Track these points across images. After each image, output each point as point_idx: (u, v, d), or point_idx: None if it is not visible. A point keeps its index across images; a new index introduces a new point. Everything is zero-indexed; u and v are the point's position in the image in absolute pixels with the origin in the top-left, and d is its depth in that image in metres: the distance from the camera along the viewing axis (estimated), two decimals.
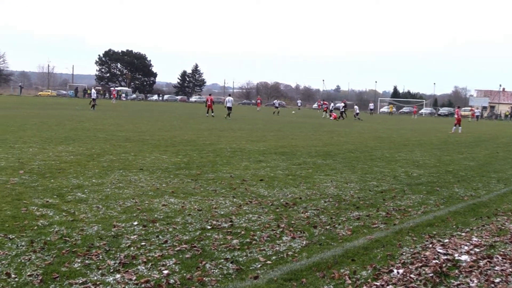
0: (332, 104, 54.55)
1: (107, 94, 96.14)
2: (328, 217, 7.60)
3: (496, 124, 60.20)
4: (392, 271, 5.44)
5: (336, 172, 12.30)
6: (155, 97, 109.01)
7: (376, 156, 16.36)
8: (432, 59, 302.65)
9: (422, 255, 6.00)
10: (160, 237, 6.18)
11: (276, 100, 59.64)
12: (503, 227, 7.57)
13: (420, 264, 5.67)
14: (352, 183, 10.82)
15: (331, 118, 48.20)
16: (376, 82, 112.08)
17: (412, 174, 12.68)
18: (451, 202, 9.35)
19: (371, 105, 74.15)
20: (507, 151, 20.75)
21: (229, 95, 42.39)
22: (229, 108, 38.54)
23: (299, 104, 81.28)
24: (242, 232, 6.55)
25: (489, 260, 5.99)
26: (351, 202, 8.84)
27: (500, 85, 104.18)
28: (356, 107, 49.72)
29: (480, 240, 6.81)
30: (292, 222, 7.20)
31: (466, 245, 6.52)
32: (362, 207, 8.45)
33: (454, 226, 7.48)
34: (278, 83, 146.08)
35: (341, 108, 50.92)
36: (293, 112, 47.19)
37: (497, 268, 5.74)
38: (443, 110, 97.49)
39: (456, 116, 36.03)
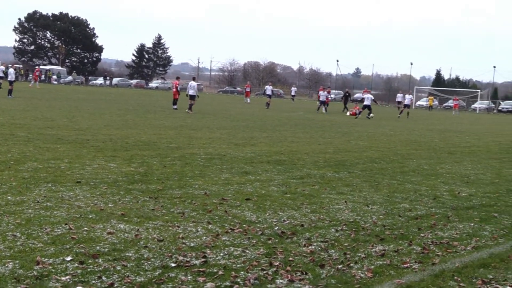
0: (324, 93, 53.26)
1: (30, 75, 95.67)
2: (340, 253, 7.63)
3: None
4: None
5: (352, 189, 12.36)
6: (100, 80, 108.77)
7: (409, 168, 16.45)
8: (492, 32, 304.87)
9: None
10: (103, 278, 6.17)
11: (268, 86, 59.55)
12: None
13: None
14: (375, 205, 10.88)
15: (348, 113, 48.44)
16: (411, 64, 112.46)
17: (460, 194, 12.78)
18: None
19: (399, 96, 73.88)
20: None
21: (193, 79, 42.33)
22: (192, 97, 38.40)
23: (293, 93, 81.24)
24: (220, 272, 6.55)
25: None
26: (373, 231, 8.88)
27: None
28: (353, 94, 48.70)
29: None
30: (290, 259, 7.22)
31: None
32: (388, 239, 8.50)
33: None
34: (274, 63, 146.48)
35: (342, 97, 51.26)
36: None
37: None
38: (506, 105, 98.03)
39: None
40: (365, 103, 46.70)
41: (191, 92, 38.41)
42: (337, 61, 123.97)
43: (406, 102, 55.53)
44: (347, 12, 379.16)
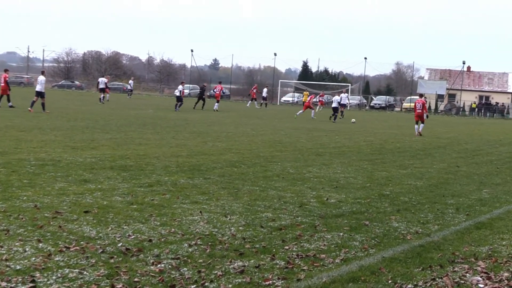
0: (181, 86, 55.05)
1: None
2: (194, 271, 7.64)
3: (457, 122, 63.79)
4: None
5: (209, 198, 12.42)
6: None
7: (273, 172, 16.72)
8: (363, 20, 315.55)
9: None
10: None
11: (102, 78, 60.28)
12: (462, 282, 8.02)
13: None
14: (234, 215, 10.97)
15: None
16: (275, 55, 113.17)
17: (329, 200, 13.09)
18: (387, 243, 9.76)
19: (264, 91, 75.25)
20: (472, 164, 22.08)
21: (42, 73, 41.85)
22: (39, 94, 37.99)
23: (130, 87, 79.63)
24: None
25: None
26: (232, 245, 8.95)
27: (464, 63, 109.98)
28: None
29: None
30: (136, 279, 7.18)
31: None
32: (248, 254, 8.58)
33: (389, 281, 7.81)
34: (119, 53, 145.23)
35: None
36: (353, 120, 47.99)
37: None
38: (378, 100, 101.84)
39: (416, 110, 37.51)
40: (333, 105, 50.70)
41: (37, 88, 38.40)
42: (192, 51, 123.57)
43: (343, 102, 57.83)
44: None
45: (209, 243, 8.95)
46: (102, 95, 57.04)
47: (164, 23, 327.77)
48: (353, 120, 49.29)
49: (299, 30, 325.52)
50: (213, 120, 39.95)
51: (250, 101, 74.23)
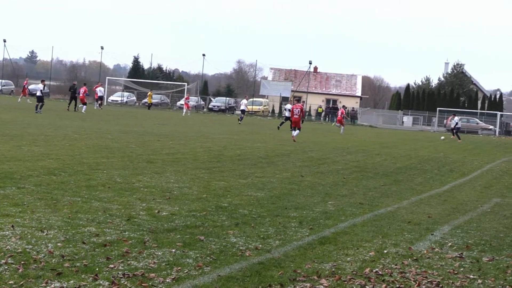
0: (41, 85, 54.52)
1: None
2: None
3: (303, 128, 64.88)
4: None
5: (22, 210, 12.19)
6: None
7: (98, 181, 16.57)
8: (201, 12, 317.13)
9: None
10: None
11: None
12: None
13: None
14: (52, 229, 10.81)
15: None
16: (102, 49, 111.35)
17: (160, 213, 13.11)
18: (223, 260, 9.87)
19: (101, 91, 74.58)
20: (318, 173, 22.65)
21: None
22: None
23: None
24: None
25: None
26: (49, 264, 8.83)
27: (310, 63, 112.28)
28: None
29: None
30: None
31: None
32: (67, 273, 8.49)
33: None
34: None
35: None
36: (442, 138, 50.58)
37: None
38: (217, 102, 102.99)
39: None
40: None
41: None
42: (5, 41, 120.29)
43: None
44: None
45: (22, 262, 8.79)
46: None
47: None
48: (442, 137, 51.81)
49: (130, 21, 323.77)
50: (29, 121, 39.07)
51: (97, 103, 73.22)
